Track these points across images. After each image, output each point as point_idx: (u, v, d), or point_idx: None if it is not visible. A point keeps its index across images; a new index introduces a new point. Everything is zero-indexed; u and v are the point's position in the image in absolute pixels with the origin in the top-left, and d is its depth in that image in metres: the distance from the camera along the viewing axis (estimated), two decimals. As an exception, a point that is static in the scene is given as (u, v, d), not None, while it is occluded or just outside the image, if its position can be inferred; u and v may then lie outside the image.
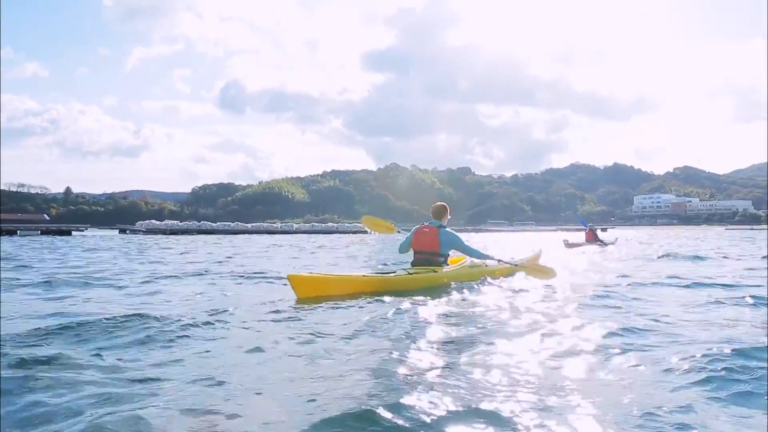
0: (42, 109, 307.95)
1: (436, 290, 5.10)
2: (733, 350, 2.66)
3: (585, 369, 2.54)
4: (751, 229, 59.11)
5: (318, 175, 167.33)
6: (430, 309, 4.08)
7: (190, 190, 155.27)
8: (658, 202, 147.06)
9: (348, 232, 55.63)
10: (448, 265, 6.05)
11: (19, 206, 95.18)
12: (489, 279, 6.00)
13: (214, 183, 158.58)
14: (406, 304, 4.21)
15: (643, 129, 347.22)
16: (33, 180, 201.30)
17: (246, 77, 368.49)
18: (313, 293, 4.80)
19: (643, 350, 2.85)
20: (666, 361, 2.61)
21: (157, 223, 56.24)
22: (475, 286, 5.48)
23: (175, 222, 59.31)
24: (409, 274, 5.59)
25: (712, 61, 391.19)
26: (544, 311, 4.05)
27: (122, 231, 53.93)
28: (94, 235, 40.21)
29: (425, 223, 6.19)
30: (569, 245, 18.60)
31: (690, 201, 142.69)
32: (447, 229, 6.11)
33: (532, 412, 1.96)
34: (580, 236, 22.72)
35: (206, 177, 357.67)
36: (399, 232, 7.03)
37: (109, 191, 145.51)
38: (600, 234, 21.79)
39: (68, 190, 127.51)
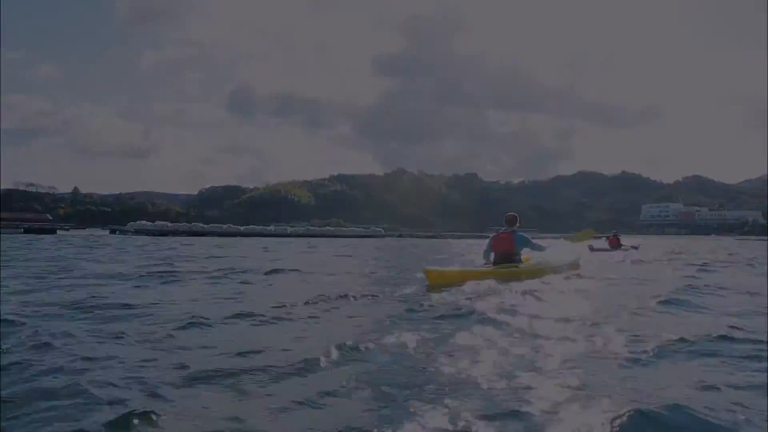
0: (54, 110, 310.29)
1: (521, 279, 7.09)
2: None
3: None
4: (758, 239, 58.35)
5: (324, 178, 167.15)
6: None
7: (197, 192, 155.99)
8: (667, 212, 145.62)
9: (343, 236, 55.19)
10: (523, 262, 7.86)
11: (28, 205, 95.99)
12: (550, 274, 7.85)
13: (221, 185, 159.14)
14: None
15: (652, 137, 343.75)
16: (44, 180, 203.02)
17: (256, 81, 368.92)
18: (441, 281, 6.61)
19: None
20: None
21: (147, 223, 54.30)
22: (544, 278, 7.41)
23: (165, 223, 58.19)
24: (501, 268, 7.43)
25: (722, 69, 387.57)
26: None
27: (113, 231, 54.57)
28: (75, 235, 41.56)
29: (501, 230, 7.86)
30: (593, 250, 19.00)
31: (699, 210, 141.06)
32: (519, 232, 7.79)
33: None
34: (596, 243, 22.71)
35: (214, 179, 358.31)
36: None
37: (117, 192, 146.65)
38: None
39: (76, 189, 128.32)
